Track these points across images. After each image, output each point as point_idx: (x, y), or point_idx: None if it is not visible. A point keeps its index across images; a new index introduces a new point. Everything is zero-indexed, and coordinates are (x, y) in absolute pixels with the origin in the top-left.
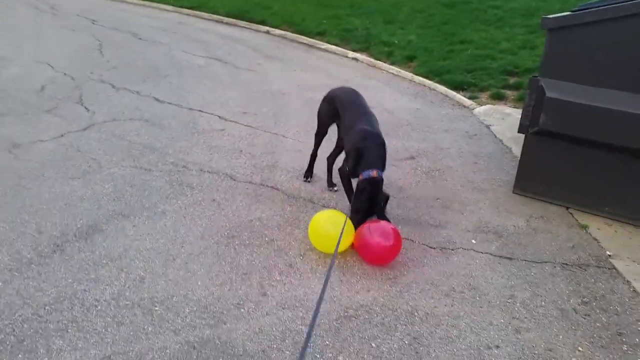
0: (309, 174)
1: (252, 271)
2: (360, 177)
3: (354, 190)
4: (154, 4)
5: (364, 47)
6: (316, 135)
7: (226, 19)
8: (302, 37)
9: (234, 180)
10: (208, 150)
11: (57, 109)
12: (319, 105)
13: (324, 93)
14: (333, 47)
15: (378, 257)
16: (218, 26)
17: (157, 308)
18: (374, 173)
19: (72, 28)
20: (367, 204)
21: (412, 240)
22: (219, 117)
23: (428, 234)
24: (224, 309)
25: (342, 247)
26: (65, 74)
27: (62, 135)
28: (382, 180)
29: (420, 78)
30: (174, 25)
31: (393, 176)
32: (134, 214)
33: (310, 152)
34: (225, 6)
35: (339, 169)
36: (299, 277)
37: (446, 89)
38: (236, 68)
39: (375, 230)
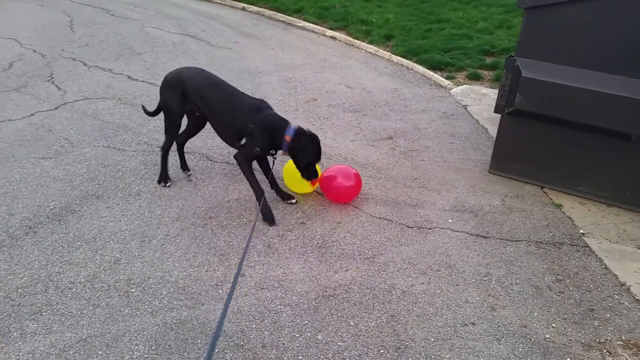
0: (166, 177)
1: (230, 252)
2: (288, 137)
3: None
4: None
5: (341, 25)
6: (169, 131)
7: None
8: (280, 14)
9: (211, 160)
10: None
11: (26, 87)
12: (161, 93)
13: (303, 73)
14: (311, 25)
15: (343, 196)
16: (192, 2)
17: (133, 290)
18: (294, 126)
19: (40, 3)
20: (313, 151)
21: (390, 220)
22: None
23: (406, 214)
24: (202, 290)
25: (304, 190)
26: (34, 50)
27: (32, 115)
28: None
29: (398, 58)
30: (147, 1)
31: (371, 156)
32: (108, 194)
33: None
34: None
35: (237, 158)
36: (277, 257)
37: (424, 68)
38: (212, 46)
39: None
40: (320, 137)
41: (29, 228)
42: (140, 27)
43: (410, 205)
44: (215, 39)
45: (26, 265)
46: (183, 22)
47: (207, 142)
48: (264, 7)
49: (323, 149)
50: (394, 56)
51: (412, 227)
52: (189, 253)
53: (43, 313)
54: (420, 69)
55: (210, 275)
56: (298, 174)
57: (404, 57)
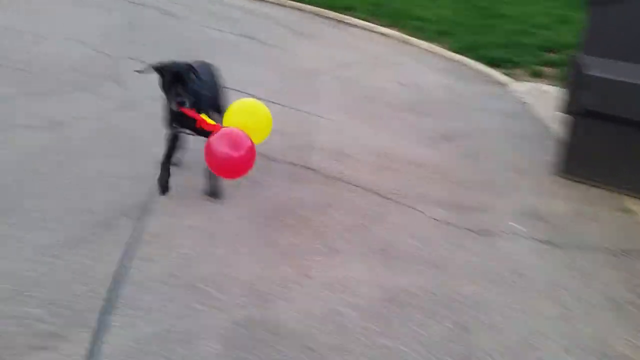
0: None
1: (293, 252)
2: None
3: None
4: None
5: (394, 22)
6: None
7: None
8: (331, 12)
9: (271, 160)
10: None
11: (95, 86)
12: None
13: (356, 71)
14: (363, 22)
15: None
16: (247, 3)
17: (204, 287)
18: None
19: (101, 5)
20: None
21: (453, 224)
22: (251, 95)
23: (469, 218)
24: (269, 289)
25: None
26: (100, 51)
27: (100, 113)
28: None
29: (454, 54)
30: (203, 2)
31: (430, 157)
32: (178, 193)
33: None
34: None
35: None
36: (339, 258)
37: (481, 65)
38: (266, 45)
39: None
40: (375, 136)
41: (106, 224)
42: (198, 28)
43: (473, 208)
44: (268, 38)
45: (104, 260)
46: (239, 22)
47: (265, 141)
48: (318, 6)
49: (379, 149)
50: (449, 52)
51: (476, 232)
52: (256, 252)
53: (121, 307)
54: (478, 65)
55: (276, 275)
56: None
57: (460, 53)
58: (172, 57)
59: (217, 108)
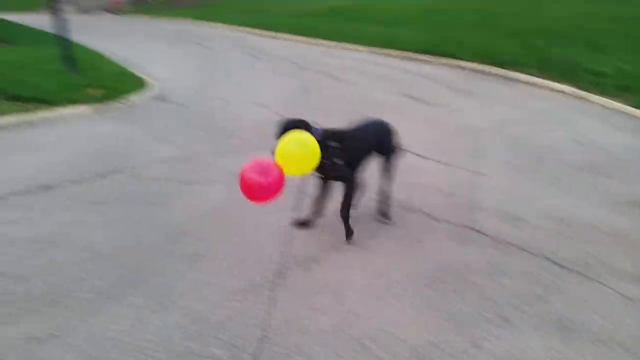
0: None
1: (462, 319)
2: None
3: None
4: (349, 45)
5: (567, 77)
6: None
7: (418, 56)
8: (497, 69)
9: (435, 219)
10: (406, 187)
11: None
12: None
13: (526, 128)
14: (531, 78)
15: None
16: (410, 63)
17: (371, 345)
18: None
19: (280, 71)
20: None
21: None
22: (415, 154)
23: None
24: (438, 357)
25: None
26: (277, 113)
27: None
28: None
29: (638, 111)
30: (367, 64)
31: (617, 224)
32: (345, 247)
33: (513, 190)
34: (418, 43)
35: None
36: (514, 330)
37: None
38: (428, 104)
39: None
40: (549, 198)
41: (281, 273)
42: (362, 90)
43: None
44: (431, 97)
45: (279, 308)
46: (401, 83)
47: (429, 200)
48: (481, 63)
49: (554, 211)
50: (632, 109)
51: None
52: (422, 315)
53: (293, 355)
54: None
55: (445, 342)
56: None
57: None
58: (341, 118)
59: (385, 155)
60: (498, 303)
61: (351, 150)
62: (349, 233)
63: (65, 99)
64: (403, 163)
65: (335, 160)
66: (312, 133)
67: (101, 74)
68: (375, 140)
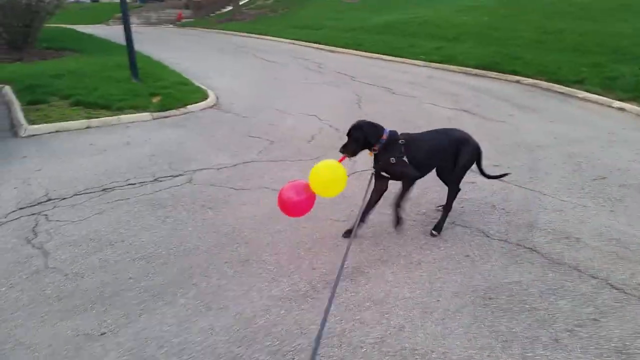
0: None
1: (512, 340)
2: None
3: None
4: (407, 60)
5: (632, 96)
6: None
7: (475, 71)
8: (557, 85)
9: (488, 237)
10: (459, 202)
11: (324, 156)
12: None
13: (587, 147)
14: (594, 96)
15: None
16: (467, 78)
17: None
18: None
19: (335, 84)
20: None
21: None
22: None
23: None
24: None
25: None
26: (330, 125)
27: None
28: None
29: None
30: (424, 79)
31: None
32: (392, 260)
33: (572, 211)
34: (475, 58)
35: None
36: (567, 354)
37: None
38: (485, 119)
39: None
40: (611, 221)
41: (327, 283)
42: (418, 104)
43: None
44: (489, 112)
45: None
46: (457, 97)
47: (483, 217)
48: (540, 79)
49: (616, 235)
50: None
51: None
52: (470, 333)
53: None
54: None
55: None
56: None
57: None
58: (395, 128)
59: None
60: (552, 325)
61: (418, 153)
62: (399, 221)
63: (128, 106)
64: None
65: (400, 157)
66: (382, 132)
67: (163, 83)
68: (446, 150)
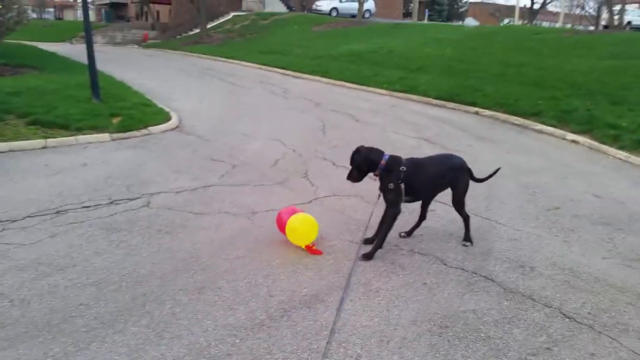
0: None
1: None
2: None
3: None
4: (370, 89)
5: (585, 129)
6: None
7: (436, 101)
8: (515, 117)
9: (445, 264)
10: (418, 230)
11: (287, 181)
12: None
13: (542, 178)
14: (549, 128)
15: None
16: (428, 108)
17: None
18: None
19: (300, 109)
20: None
21: None
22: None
23: None
24: None
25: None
26: (294, 150)
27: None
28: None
29: None
30: (387, 107)
31: (630, 279)
32: (351, 287)
33: (527, 240)
34: (436, 89)
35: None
36: None
37: None
38: (445, 149)
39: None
40: (563, 250)
41: (284, 311)
42: (381, 131)
43: None
44: (448, 142)
45: (280, 347)
46: (419, 126)
47: (441, 245)
48: (498, 111)
49: (568, 264)
50: None
51: None
52: None
53: None
54: None
55: None
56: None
57: None
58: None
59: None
60: (506, 354)
61: (420, 178)
62: (371, 256)
63: (87, 126)
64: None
65: (390, 184)
66: (381, 157)
67: (125, 103)
68: (446, 175)
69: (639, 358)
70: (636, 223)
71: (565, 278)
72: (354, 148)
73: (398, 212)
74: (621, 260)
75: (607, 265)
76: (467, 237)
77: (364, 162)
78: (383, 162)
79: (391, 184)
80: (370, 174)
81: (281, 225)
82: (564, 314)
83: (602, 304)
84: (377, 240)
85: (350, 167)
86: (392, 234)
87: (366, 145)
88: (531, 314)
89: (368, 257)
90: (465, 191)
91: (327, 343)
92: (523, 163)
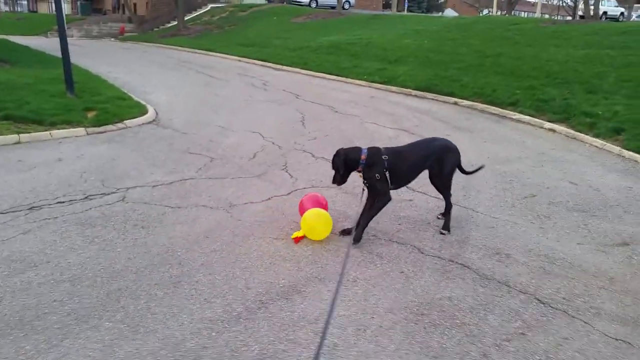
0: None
1: (443, 355)
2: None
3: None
4: (349, 80)
5: (561, 117)
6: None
7: (415, 92)
8: (493, 107)
9: (422, 253)
10: (396, 220)
11: (266, 174)
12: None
13: (519, 167)
14: (526, 117)
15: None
16: (407, 99)
17: None
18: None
19: (279, 101)
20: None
21: (630, 344)
22: (407, 187)
23: None
24: None
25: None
26: (273, 143)
27: (269, 199)
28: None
29: (631, 153)
30: (366, 99)
31: (603, 264)
32: (329, 278)
33: (503, 228)
34: (415, 80)
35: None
36: None
37: None
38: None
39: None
40: (539, 237)
41: (262, 303)
42: (360, 122)
43: None
44: (427, 132)
45: (257, 339)
46: (397, 117)
47: (418, 234)
48: (476, 101)
49: (543, 250)
50: (625, 151)
51: None
52: (402, 349)
53: None
54: None
55: None
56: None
57: (639, 152)
58: (332, 147)
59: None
60: (481, 340)
61: (402, 165)
62: (357, 238)
63: (61, 121)
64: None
65: (378, 173)
66: (360, 154)
67: (100, 97)
68: (427, 158)
69: (610, 340)
70: (611, 209)
71: (540, 264)
72: (334, 150)
73: (389, 199)
74: (595, 245)
75: (581, 251)
76: (447, 226)
77: (345, 164)
78: (363, 157)
79: (377, 174)
80: (354, 172)
81: (302, 210)
82: (539, 300)
83: (576, 289)
84: (362, 221)
85: (334, 171)
86: (371, 224)
87: (345, 147)
88: (506, 300)
89: (356, 240)
90: (451, 172)
91: (303, 333)
92: (500, 152)
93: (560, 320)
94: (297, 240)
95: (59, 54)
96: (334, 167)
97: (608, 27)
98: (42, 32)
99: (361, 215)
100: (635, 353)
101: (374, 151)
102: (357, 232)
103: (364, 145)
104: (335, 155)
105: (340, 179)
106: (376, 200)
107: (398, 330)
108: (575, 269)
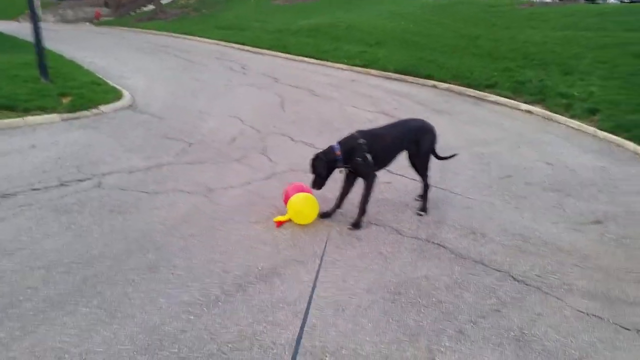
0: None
1: (419, 333)
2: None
3: None
4: (329, 63)
5: (538, 99)
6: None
7: (394, 75)
8: (471, 89)
9: (400, 234)
10: (375, 202)
11: (245, 158)
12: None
13: (496, 148)
14: (504, 99)
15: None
16: (386, 82)
17: (327, 358)
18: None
19: (258, 85)
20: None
21: (601, 318)
22: (386, 170)
23: (620, 312)
24: None
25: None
26: (252, 127)
27: (248, 183)
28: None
29: (605, 133)
30: (346, 82)
31: (577, 242)
32: (308, 260)
33: (480, 208)
34: (394, 63)
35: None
36: (470, 345)
37: (637, 146)
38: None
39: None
40: (514, 217)
41: (240, 286)
42: (340, 106)
43: (625, 302)
44: (406, 115)
45: (236, 321)
46: (377, 100)
47: (396, 215)
48: (455, 84)
49: (518, 230)
50: (600, 132)
51: (629, 330)
52: (379, 328)
53: None
54: (632, 146)
55: (400, 355)
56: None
57: (613, 132)
58: (315, 130)
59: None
60: (456, 317)
61: (380, 146)
62: (358, 224)
63: (35, 107)
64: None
65: (359, 157)
66: (334, 151)
67: (75, 82)
68: (404, 139)
69: (582, 315)
70: (586, 189)
71: (515, 243)
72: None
73: (375, 177)
74: (570, 224)
75: (556, 229)
76: (424, 207)
77: (325, 167)
78: (338, 153)
79: (358, 158)
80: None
81: (287, 198)
82: (513, 277)
83: (549, 266)
84: (360, 207)
85: (313, 175)
86: (350, 208)
87: (321, 151)
88: (482, 278)
89: (356, 226)
90: (428, 152)
91: (283, 315)
92: (478, 134)
93: (534, 297)
94: (279, 224)
95: (31, 39)
96: (314, 172)
97: (585, 8)
98: (14, 16)
99: (340, 196)
100: (604, 326)
101: (347, 141)
102: (356, 219)
103: (340, 130)
104: (314, 160)
105: (320, 182)
106: (364, 182)
107: (376, 309)
108: (549, 247)
